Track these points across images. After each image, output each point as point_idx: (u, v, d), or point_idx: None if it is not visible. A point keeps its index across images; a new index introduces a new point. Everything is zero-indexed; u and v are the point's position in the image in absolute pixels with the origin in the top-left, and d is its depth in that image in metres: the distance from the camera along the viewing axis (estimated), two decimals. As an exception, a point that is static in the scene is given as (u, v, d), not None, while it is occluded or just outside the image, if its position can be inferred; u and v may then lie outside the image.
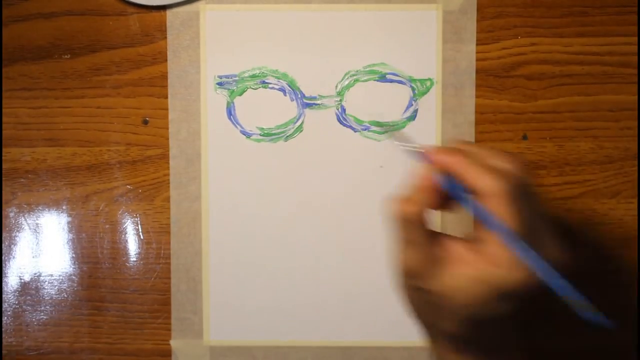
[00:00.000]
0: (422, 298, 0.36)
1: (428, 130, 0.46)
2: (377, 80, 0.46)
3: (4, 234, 0.48)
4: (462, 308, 0.34)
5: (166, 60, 0.47)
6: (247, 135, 0.47)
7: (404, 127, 0.47)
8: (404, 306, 0.38)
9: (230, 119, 0.47)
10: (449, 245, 0.35)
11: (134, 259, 0.48)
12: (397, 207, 0.35)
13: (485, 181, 0.32)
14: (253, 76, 0.46)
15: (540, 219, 0.33)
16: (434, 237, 0.35)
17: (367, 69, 0.46)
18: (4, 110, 0.47)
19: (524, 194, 0.33)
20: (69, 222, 0.48)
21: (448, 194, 0.35)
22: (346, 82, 0.46)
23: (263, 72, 0.46)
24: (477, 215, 0.33)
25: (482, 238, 0.33)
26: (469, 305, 0.34)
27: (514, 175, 0.33)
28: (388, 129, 0.42)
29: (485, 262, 0.33)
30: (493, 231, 0.32)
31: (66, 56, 0.47)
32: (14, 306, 0.48)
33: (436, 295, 0.34)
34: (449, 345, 0.37)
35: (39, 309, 0.48)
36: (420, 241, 0.35)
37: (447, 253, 0.35)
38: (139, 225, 0.48)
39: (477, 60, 0.46)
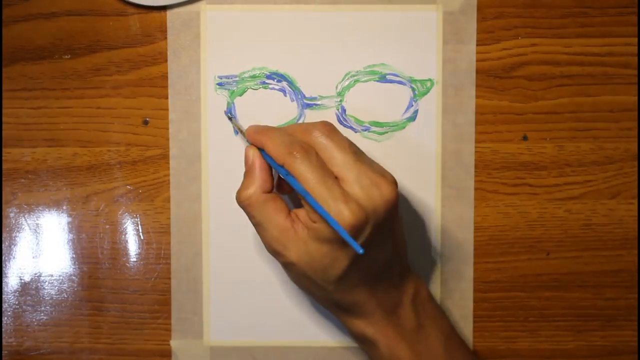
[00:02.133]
0: (294, 272, 0.39)
1: (428, 130, 0.46)
2: (378, 81, 0.46)
3: (4, 234, 0.48)
4: (322, 271, 0.36)
5: (166, 60, 0.47)
6: (248, 135, 0.47)
7: (404, 127, 0.47)
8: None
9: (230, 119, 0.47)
10: (297, 213, 0.38)
11: (134, 259, 0.48)
12: (237, 196, 0.39)
13: (282, 151, 0.37)
14: (253, 76, 0.46)
15: (342, 153, 0.37)
16: (280, 215, 0.38)
17: (368, 70, 0.46)
18: (4, 110, 0.47)
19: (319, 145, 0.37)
20: (69, 223, 0.48)
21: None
22: (346, 83, 0.46)
23: (263, 73, 0.46)
24: (289, 182, 0.36)
25: (309, 212, 0.36)
26: (325, 265, 0.36)
27: (307, 130, 0.38)
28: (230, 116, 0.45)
29: (319, 225, 0.36)
30: (299, 194, 0.36)
31: (66, 56, 0.47)
32: (14, 306, 0.48)
33: (300, 266, 0.37)
34: (338, 310, 0.39)
35: (39, 309, 0.48)
36: (265, 220, 0.38)
37: (296, 221, 0.38)
38: (139, 226, 0.48)
39: (478, 60, 0.46)
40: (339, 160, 0.36)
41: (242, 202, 0.39)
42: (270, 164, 0.38)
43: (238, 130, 0.45)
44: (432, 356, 0.40)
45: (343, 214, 0.34)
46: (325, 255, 0.36)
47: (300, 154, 0.36)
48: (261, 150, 0.39)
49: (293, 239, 0.37)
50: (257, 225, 0.39)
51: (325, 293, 0.38)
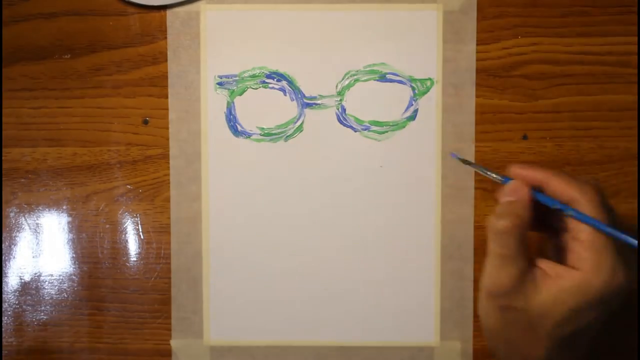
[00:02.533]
0: (511, 318, 0.36)
1: (428, 130, 0.46)
2: (378, 80, 0.46)
3: (4, 234, 0.48)
4: (556, 324, 0.35)
5: (166, 60, 0.47)
6: (247, 135, 0.47)
7: (404, 126, 0.46)
8: (485, 331, 0.37)
9: (230, 118, 0.47)
10: (542, 263, 0.36)
11: (134, 259, 0.48)
12: (492, 221, 0.36)
13: (578, 188, 0.35)
14: (253, 76, 0.46)
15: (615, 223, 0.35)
16: (528, 257, 0.35)
17: (368, 69, 0.46)
18: (4, 110, 0.47)
19: (604, 202, 0.35)
20: (69, 222, 0.48)
21: (540, 208, 0.36)
22: (346, 82, 0.46)
23: (263, 72, 0.46)
24: (578, 218, 0.35)
25: (570, 256, 0.35)
26: (564, 319, 0.34)
27: (594, 184, 0.36)
28: (465, 161, 0.42)
29: (579, 272, 0.34)
30: (595, 229, 0.34)
31: (66, 56, 0.47)
32: (14, 306, 0.48)
33: (529, 313, 0.35)
34: None
35: (39, 308, 0.48)
36: (515, 256, 0.35)
37: (542, 269, 0.36)
38: (139, 225, 0.48)
39: (478, 60, 0.46)
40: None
41: (502, 227, 0.35)
42: (545, 202, 0.36)
43: (480, 170, 0.40)
44: None
45: (620, 268, 0.34)
46: (571, 309, 0.34)
47: (592, 194, 0.35)
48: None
49: (530, 285, 0.35)
50: (502, 257, 0.35)
51: (533, 347, 0.36)
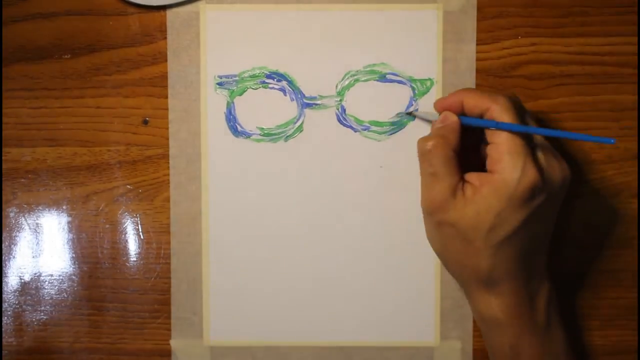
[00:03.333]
0: (448, 234, 0.38)
1: (428, 130, 0.46)
2: (378, 80, 0.46)
3: (4, 234, 0.48)
4: (488, 231, 0.37)
5: (166, 60, 0.47)
6: (247, 135, 0.47)
7: (404, 126, 0.47)
8: (434, 252, 0.41)
9: (230, 119, 0.47)
10: (468, 176, 0.39)
11: (134, 259, 0.48)
12: (419, 143, 0.40)
13: (489, 98, 0.39)
14: (253, 76, 0.46)
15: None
16: (457, 174, 0.39)
17: (368, 69, 0.46)
18: (4, 110, 0.47)
19: (518, 108, 0.39)
20: (69, 222, 0.48)
21: (462, 125, 0.40)
22: (346, 82, 0.46)
23: (263, 72, 0.46)
24: (497, 126, 0.38)
25: (490, 163, 0.38)
26: (493, 224, 0.36)
27: (506, 94, 0.40)
28: (400, 115, 0.45)
29: (498, 176, 0.37)
30: (511, 133, 0.38)
31: (66, 56, 0.47)
32: (14, 306, 0.48)
33: (463, 225, 0.37)
34: (479, 284, 0.39)
35: (39, 309, 0.48)
36: (443, 173, 0.38)
37: (470, 183, 0.38)
38: (139, 225, 0.48)
39: (478, 60, 0.46)
40: (528, 124, 0.40)
41: (426, 147, 0.39)
42: (466, 121, 0.40)
43: (416, 116, 0.46)
44: (553, 358, 0.40)
45: (529, 172, 0.37)
46: (497, 214, 0.37)
47: (503, 101, 0.38)
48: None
49: (459, 199, 0.38)
50: (431, 175, 0.39)
51: (475, 259, 0.38)
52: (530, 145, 0.39)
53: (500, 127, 0.38)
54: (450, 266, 0.42)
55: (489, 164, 0.39)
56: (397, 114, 0.45)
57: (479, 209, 0.37)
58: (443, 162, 0.39)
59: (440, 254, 0.41)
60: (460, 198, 0.38)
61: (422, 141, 0.40)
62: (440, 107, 0.42)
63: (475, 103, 0.39)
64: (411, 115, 0.45)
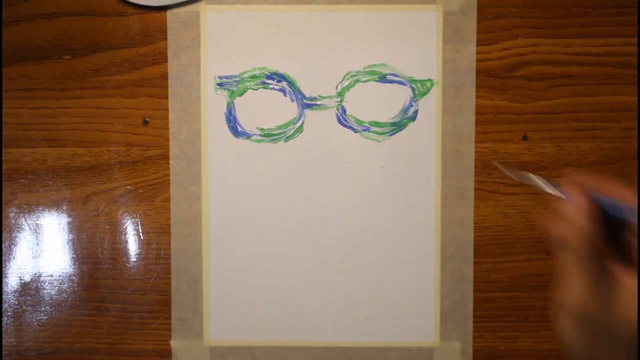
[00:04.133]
0: (591, 329, 0.35)
1: (428, 130, 0.46)
2: (378, 81, 0.46)
3: (4, 234, 0.48)
4: (634, 328, 0.34)
5: (166, 60, 0.47)
6: (248, 135, 0.47)
7: (404, 127, 0.46)
8: (563, 342, 0.37)
9: (230, 119, 0.47)
10: (612, 267, 0.35)
11: (134, 260, 0.48)
12: (568, 238, 0.35)
13: (633, 190, 0.34)
14: (253, 77, 0.46)
15: None
16: (599, 264, 0.35)
17: (368, 70, 0.46)
18: (4, 110, 0.47)
19: None
20: (69, 223, 0.48)
21: (605, 215, 0.35)
22: (346, 83, 0.46)
23: (263, 73, 0.46)
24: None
25: None
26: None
27: None
28: (520, 174, 0.41)
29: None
30: None
31: (66, 56, 0.47)
32: (14, 306, 0.48)
33: (608, 320, 0.34)
34: None
35: (39, 309, 0.48)
36: (592, 268, 0.34)
37: (613, 274, 0.35)
38: (139, 226, 0.48)
39: (478, 60, 0.46)
40: None
41: (574, 245, 0.35)
42: (605, 204, 0.35)
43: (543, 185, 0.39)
44: None
45: None
46: None
47: None
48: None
49: (606, 292, 0.34)
50: (579, 270, 0.35)
51: (615, 351, 0.36)
52: None
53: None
54: (583, 355, 0.39)
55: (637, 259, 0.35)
56: (521, 175, 0.41)
57: (629, 303, 0.35)
58: (597, 264, 0.35)
59: (576, 346, 0.39)
60: (614, 300, 0.35)
61: (581, 236, 0.35)
62: (572, 185, 0.36)
63: (615, 191, 0.35)
64: (523, 177, 0.41)
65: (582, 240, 0.35)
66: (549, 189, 0.38)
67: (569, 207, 0.36)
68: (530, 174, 0.38)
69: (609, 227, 0.36)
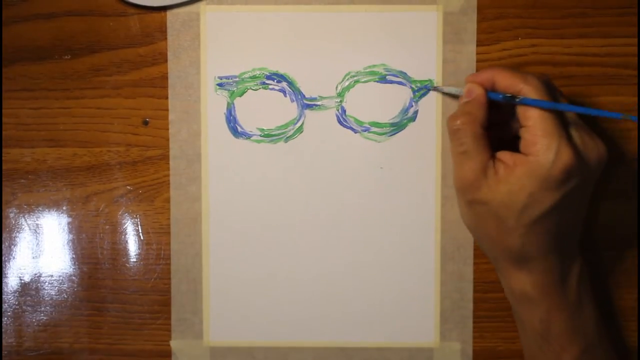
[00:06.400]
0: (480, 212, 0.39)
1: (429, 130, 0.46)
2: (378, 81, 0.46)
3: (4, 235, 0.48)
4: (521, 210, 0.37)
5: (166, 61, 0.47)
6: (248, 136, 0.47)
7: (404, 127, 0.47)
8: (467, 229, 0.42)
9: (230, 119, 0.47)
10: (500, 154, 0.39)
11: (134, 260, 0.48)
12: (448, 121, 0.40)
13: (521, 78, 0.38)
14: (253, 77, 0.46)
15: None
16: (487, 151, 0.39)
17: (368, 70, 0.46)
18: (4, 110, 0.47)
19: (551, 89, 0.39)
20: (69, 223, 0.48)
21: (491, 103, 0.40)
22: (346, 83, 0.46)
23: (263, 73, 0.46)
24: (527, 103, 0.38)
25: (522, 143, 0.38)
26: (526, 204, 0.36)
27: (537, 74, 0.39)
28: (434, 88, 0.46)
29: (533, 157, 0.37)
30: (541, 111, 0.37)
31: (66, 57, 0.47)
32: (14, 307, 0.48)
33: (495, 203, 0.37)
34: (510, 261, 0.39)
35: (39, 309, 0.48)
36: (474, 151, 0.38)
37: (501, 161, 0.38)
38: (139, 226, 0.48)
39: (478, 61, 0.46)
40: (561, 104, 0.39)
41: (456, 125, 0.39)
42: (495, 97, 0.40)
43: (442, 91, 0.46)
44: (584, 334, 0.40)
45: (564, 151, 0.36)
46: (530, 194, 0.37)
47: (534, 81, 0.38)
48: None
49: (491, 177, 0.38)
50: (462, 154, 0.39)
51: (507, 237, 0.38)
52: (564, 124, 0.38)
53: (524, 102, 0.38)
54: (482, 243, 0.42)
55: (522, 145, 0.38)
56: (424, 87, 0.46)
57: (512, 188, 0.37)
58: (473, 140, 0.39)
59: (472, 231, 0.42)
60: (492, 176, 0.38)
61: (451, 119, 0.40)
62: (468, 80, 0.42)
63: (507, 83, 0.39)
64: (437, 90, 0.45)
65: (463, 120, 0.39)
66: (453, 91, 0.44)
67: (464, 101, 0.40)
68: (441, 86, 0.45)
69: (498, 117, 0.41)
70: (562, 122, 0.38)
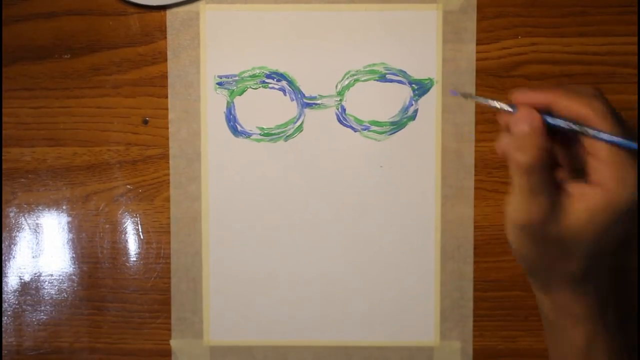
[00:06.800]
0: (544, 244, 0.36)
1: (428, 129, 0.46)
2: (377, 80, 0.46)
3: (4, 234, 0.48)
4: (589, 243, 0.35)
5: (166, 60, 0.47)
6: (247, 135, 0.47)
7: (404, 126, 0.46)
8: (519, 259, 0.38)
9: (230, 118, 0.47)
10: (566, 185, 0.36)
11: (134, 259, 0.48)
12: (515, 156, 0.35)
13: (587, 104, 0.34)
14: (253, 76, 0.46)
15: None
16: (554, 184, 0.35)
17: (367, 69, 0.46)
18: (4, 110, 0.47)
19: (614, 112, 0.35)
20: (69, 222, 0.48)
21: (554, 130, 0.35)
22: (346, 82, 0.46)
23: (263, 72, 0.46)
24: (594, 136, 0.34)
25: (592, 173, 0.35)
26: (595, 237, 0.35)
27: (600, 97, 0.35)
28: (465, 94, 0.42)
29: (604, 189, 0.34)
30: (613, 145, 0.33)
31: (66, 56, 0.47)
32: (14, 306, 0.48)
33: (563, 238, 0.35)
34: (568, 283, 0.38)
35: (39, 308, 0.48)
36: (543, 187, 0.35)
37: (567, 191, 0.35)
38: (139, 225, 0.48)
39: (477, 60, 0.46)
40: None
41: (521, 162, 0.34)
42: (558, 124, 0.35)
43: (480, 102, 0.40)
44: (629, 351, 0.39)
45: (634, 178, 0.33)
46: (602, 229, 0.34)
47: (600, 107, 0.34)
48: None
49: (561, 212, 0.35)
50: (529, 191, 0.35)
51: (570, 265, 0.36)
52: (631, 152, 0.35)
53: (601, 137, 0.34)
54: (534, 268, 0.39)
55: (590, 174, 0.35)
56: (453, 93, 0.42)
57: (584, 220, 0.35)
58: (544, 176, 0.35)
59: (524, 258, 0.39)
60: (561, 211, 0.36)
61: (515, 151, 0.35)
62: (521, 101, 0.36)
63: (568, 107, 0.35)
64: (469, 97, 0.41)
65: (531, 155, 0.34)
66: (498, 105, 0.37)
67: (518, 122, 0.35)
68: (479, 97, 0.39)
69: (559, 140, 0.36)
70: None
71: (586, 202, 0.35)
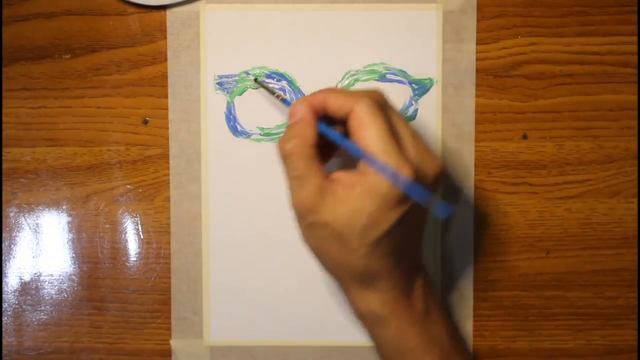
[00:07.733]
0: (321, 235, 0.38)
1: (428, 129, 0.46)
2: (377, 80, 0.46)
3: (4, 234, 0.48)
4: (362, 230, 0.36)
5: (166, 60, 0.47)
6: (247, 135, 0.47)
7: None
8: (309, 253, 0.39)
9: (230, 118, 0.47)
10: (337, 174, 0.38)
11: (134, 259, 0.48)
12: (280, 145, 0.38)
13: (353, 99, 0.37)
14: (253, 76, 0.46)
15: (400, 124, 0.38)
16: (321, 173, 0.37)
17: (367, 69, 0.46)
18: (4, 110, 0.47)
19: (383, 106, 0.38)
20: (69, 222, 0.48)
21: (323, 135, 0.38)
22: (346, 82, 0.46)
23: (263, 72, 0.46)
24: (345, 146, 0.37)
25: (365, 167, 0.36)
26: (367, 225, 0.35)
27: (372, 92, 0.38)
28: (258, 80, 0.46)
29: (371, 177, 0.36)
30: (380, 127, 0.36)
31: (66, 56, 0.47)
32: (14, 306, 0.48)
33: (336, 225, 0.36)
34: (356, 281, 0.39)
35: (39, 308, 0.48)
36: (306, 174, 0.37)
37: (339, 181, 0.37)
38: (139, 225, 0.48)
39: (477, 59, 0.46)
40: (396, 120, 0.38)
41: (287, 150, 0.37)
42: (324, 131, 0.38)
43: (270, 92, 0.45)
44: (438, 342, 0.40)
45: (403, 171, 0.35)
46: (370, 214, 0.36)
47: (367, 101, 0.36)
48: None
49: (330, 198, 0.36)
50: (296, 178, 0.37)
51: (350, 258, 0.37)
52: (401, 139, 0.37)
53: (341, 144, 0.38)
54: (326, 265, 0.40)
55: (360, 165, 0.37)
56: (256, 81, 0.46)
57: (351, 209, 0.36)
58: (306, 163, 0.37)
59: (315, 253, 0.40)
60: (330, 198, 0.36)
61: (282, 143, 0.38)
62: (301, 101, 0.39)
63: (339, 104, 0.37)
64: (261, 84, 0.46)
65: (294, 143, 0.37)
66: (277, 97, 0.43)
67: (291, 122, 0.39)
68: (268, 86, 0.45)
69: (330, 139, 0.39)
70: (399, 137, 0.37)
71: (355, 190, 0.36)
